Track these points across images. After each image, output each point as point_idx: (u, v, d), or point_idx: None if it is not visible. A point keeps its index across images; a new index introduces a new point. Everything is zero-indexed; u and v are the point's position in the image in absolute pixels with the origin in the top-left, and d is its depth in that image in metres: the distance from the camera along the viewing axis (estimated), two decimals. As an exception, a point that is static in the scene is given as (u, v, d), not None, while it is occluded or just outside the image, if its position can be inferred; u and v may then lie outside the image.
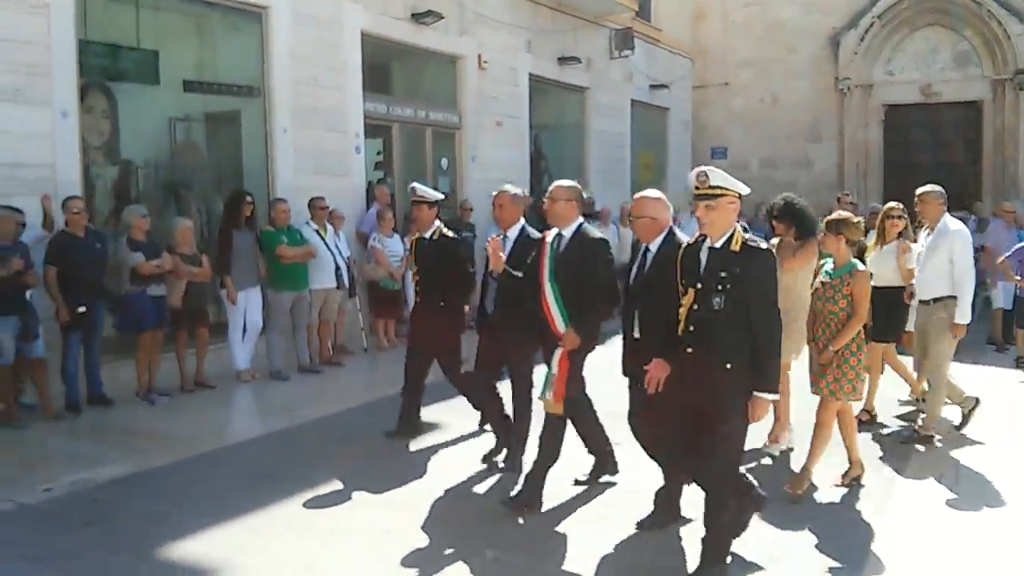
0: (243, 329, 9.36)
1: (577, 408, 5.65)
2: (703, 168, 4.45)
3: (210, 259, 9.04)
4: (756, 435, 5.95)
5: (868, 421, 7.52)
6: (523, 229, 6.20)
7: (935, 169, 20.14)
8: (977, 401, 7.45)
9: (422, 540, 5.06)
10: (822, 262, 6.08)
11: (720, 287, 4.26)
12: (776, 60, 21.41)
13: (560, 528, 5.23)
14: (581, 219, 5.58)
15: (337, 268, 10.13)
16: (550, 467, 5.52)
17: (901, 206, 7.69)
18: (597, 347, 5.55)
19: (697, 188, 4.37)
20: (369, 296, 11.33)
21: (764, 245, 4.36)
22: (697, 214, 4.38)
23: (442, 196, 7.48)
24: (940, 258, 7.03)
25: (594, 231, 5.61)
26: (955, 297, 6.94)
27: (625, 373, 5.24)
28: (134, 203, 9.12)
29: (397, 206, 12.16)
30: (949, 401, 7.40)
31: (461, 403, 7.09)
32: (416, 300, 7.27)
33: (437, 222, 7.14)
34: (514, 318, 5.95)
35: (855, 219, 5.96)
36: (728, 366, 4.26)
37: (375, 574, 4.64)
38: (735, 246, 4.30)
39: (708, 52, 22.04)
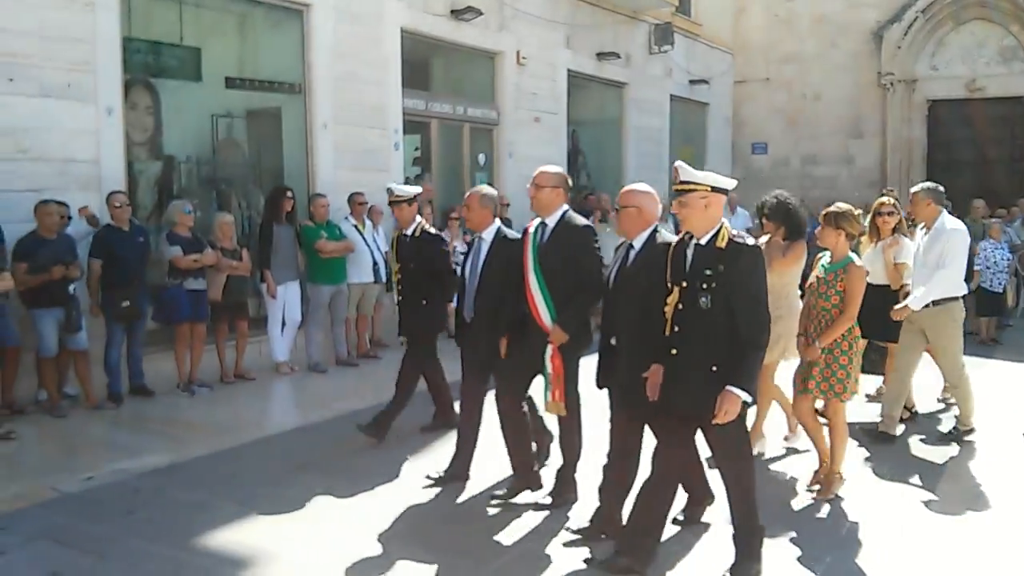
0: (282, 322, 9.50)
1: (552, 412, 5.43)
2: (678, 162, 4.38)
3: (250, 253, 9.19)
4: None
5: (908, 418, 7.47)
6: (499, 231, 5.87)
7: (979, 166, 19.93)
8: (914, 414, 7.42)
9: (458, 531, 5.13)
10: (819, 255, 5.91)
11: (706, 285, 4.14)
12: (818, 55, 21.18)
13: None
14: (566, 207, 5.40)
15: (375, 263, 10.24)
16: (576, 462, 5.51)
17: (893, 201, 7.47)
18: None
19: (674, 184, 4.30)
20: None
21: (751, 241, 4.23)
22: (673, 210, 4.36)
23: (419, 191, 7.30)
24: (934, 259, 6.80)
25: (579, 218, 5.40)
26: (957, 298, 6.80)
27: (600, 384, 4.98)
28: (176, 198, 9.30)
29: (436, 200, 12.25)
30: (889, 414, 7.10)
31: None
32: (398, 299, 7.04)
33: (419, 219, 6.99)
34: (493, 324, 5.62)
35: (855, 211, 5.80)
36: (714, 368, 4.14)
37: (411, 564, 4.71)
38: (721, 243, 4.18)
39: (749, 47, 21.87)
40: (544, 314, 5.21)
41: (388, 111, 11.68)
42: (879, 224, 7.30)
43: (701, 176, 4.22)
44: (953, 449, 6.83)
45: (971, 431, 7.03)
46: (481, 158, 13.86)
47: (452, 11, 12.55)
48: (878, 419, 7.08)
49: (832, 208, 5.78)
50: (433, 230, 7.03)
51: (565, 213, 5.35)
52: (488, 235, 5.85)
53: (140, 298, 8.16)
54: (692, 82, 19.50)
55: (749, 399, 4.14)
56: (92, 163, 8.33)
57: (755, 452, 6.02)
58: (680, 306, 4.22)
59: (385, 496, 5.76)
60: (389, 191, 6.97)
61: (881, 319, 7.01)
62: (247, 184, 10.83)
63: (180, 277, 8.42)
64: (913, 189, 7.17)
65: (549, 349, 5.15)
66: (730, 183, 4.30)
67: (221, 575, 4.58)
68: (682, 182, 4.21)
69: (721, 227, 4.21)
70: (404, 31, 11.85)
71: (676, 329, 4.24)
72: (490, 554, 4.84)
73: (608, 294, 4.85)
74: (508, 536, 5.07)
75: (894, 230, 7.25)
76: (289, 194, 9.53)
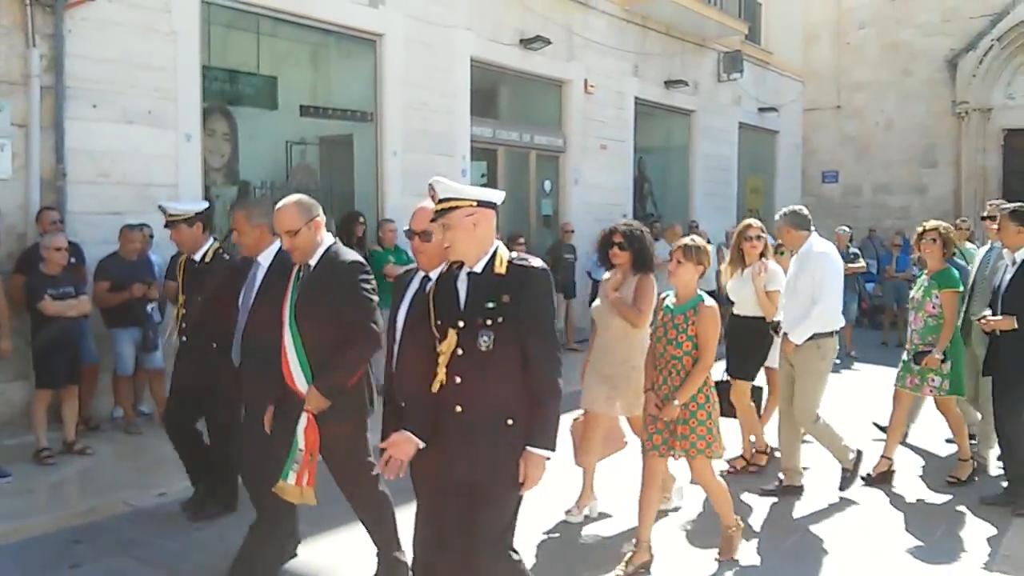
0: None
1: (371, 504, 4.53)
2: (433, 178, 3.54)
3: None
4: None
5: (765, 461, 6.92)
6: (279, 253, 4.69)
7: (1059, 196, 19.42)
8: (859, 454, 6.49)
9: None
10: (662, 295, 5.19)
11: (487, 322, 3.36)
12: (891, 83, 20.93)
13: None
14: (331, 239, 4.41)
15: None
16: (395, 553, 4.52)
17: (760, 225, 6.86)
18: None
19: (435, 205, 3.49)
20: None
21: (536, 263, 3.46)
22: (436, 236, 3.62)
23: (205, 205, 6.11)
24: (804, 286, 6.19)
25: (347, 253, 4.39)
26: (831, 334, 6.20)
27: None
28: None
29: (501, 226, 12.32)
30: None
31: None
32: (180, 339, 5.72)
33: (211, 240, 5.78)
34: (260, 377, 4.51)
35: (706, 246, 5.05)
36: (509, 422, 3.35)
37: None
38: (500, 268, 3.42)
39: (820, 74, 21.70)
40: (297, 376, 4.22)
41: (456, 138, 11.84)
42: (745, 250, 6.71)
43: (462, 189, 3.48)
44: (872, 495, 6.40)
45: (794, 489, 6.34)
46: (547, 185, 13.94)
47: (521, 40, 12.70)
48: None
49: (685, 240, 5.04)
50: (227, 256, 5.66)
51: (330, 248, 4.36)
52: (265, 260, 4.83)
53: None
54: (761, 110, 19.41)
55: (551, 455, 3.37)
56: (171, 187, 8.59)
57: (586, 514, 5.77)
58: (459, 351, 3.39)
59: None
60: (162, 209, 5.84)
61: (756, 356, 6.73)
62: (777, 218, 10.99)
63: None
64: (776, 216, 6.60)
65: (304, 418, 4.13)
66: (498, 196, 3.57)
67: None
68: (441, 200, 3.43)
69: (496, 249, 3.48)
70: (474, 60, 12.02)
71: (457, 381, 3.40)
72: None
73: (398, 344, 3.96)
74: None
75: (761, 255, 6.71)
76: (361, 219, 9.71)
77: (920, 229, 6.77)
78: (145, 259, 8.00)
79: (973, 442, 7.10)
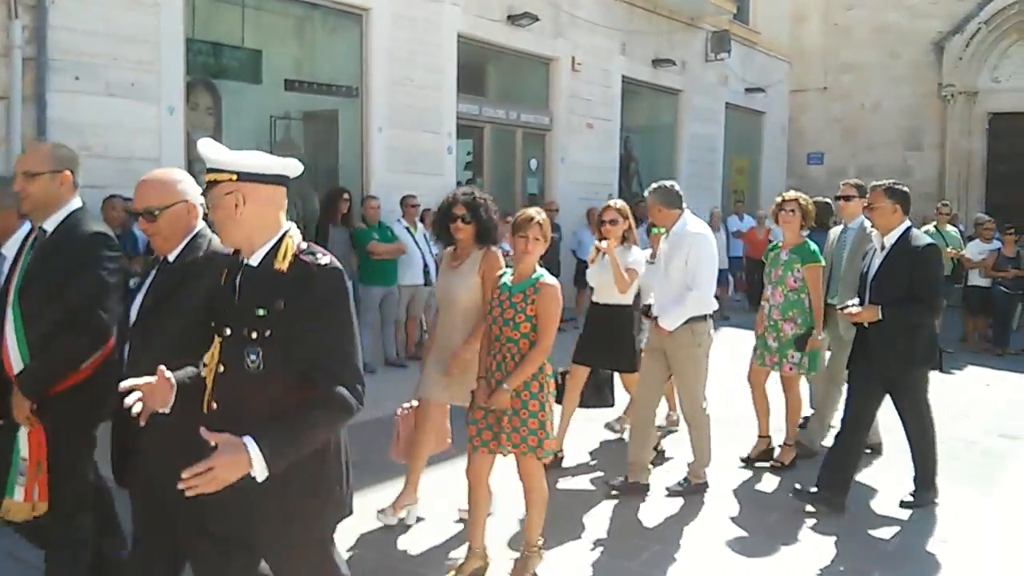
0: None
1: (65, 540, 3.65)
2: (200, 141, 2.84)
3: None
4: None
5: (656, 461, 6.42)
6: (73, 218, 3.71)
7: (1042, 180, 19.52)
8: (647, 487, 5.93)
9: (503, 531, 5.16)
10: (500, 272, 4.68)
11: (254, 334, 2.61)
12: (878, 65, 20.95)
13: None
14: (77, 202, 3.73)
15: (425, 265, 10.32)
16: None
17: (622, 205, 6.44)
18: None
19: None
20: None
21: (325, 259, 2.68)
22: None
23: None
24: (676, 269, 5.76)
25: (92, 223, 3.69)
26: (705, 318, 5.78)
27: (121, 483, 3.34)
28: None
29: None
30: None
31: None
32: None
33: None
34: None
35: (543, 218, 4.49)
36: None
37: (454, 560, 4.75)
38: (281, 263, 2.66)
39: (807, 55, 21.69)
40: (16, 362, 3.54)
41: (442, 115, 11.79)
42: (605, 232, 6.25)
43: (223, 158, 2.72)
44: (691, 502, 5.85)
45: (704, 486, 6.01)
46: (533, 163, 13.92)
47: (508, 16, 12.64)
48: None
49: (539, 218, 4.45)
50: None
51: (74, 213, 3.67)
52: (9, 251, 4.00)
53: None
54: (748, 90, 19.40)
55: (255, 471, 2.43)
56: (153, 161, 8.50)
57: (401, 516, 5.29)
58: (222, 368, 2.68)
59: (430, 494, 5.81)
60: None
61: (613, 345, 6.34)
62: (303, 185, 10.97)
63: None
64: (646, 192, 6.06)
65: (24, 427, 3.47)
66: (283, 166, 2.79)
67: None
68: (209, 170, 2.73)
69: (283, 237, 2.71)
70: (460, 36, 11.96)
71: (215, 407, 2.69)
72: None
73: (131, 337, 3.27)
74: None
75: (624, 239, 6.31)
76: (346, 196, 9.67)
77: (779, 199, 6.56)
78: (128, 233, 7.94)
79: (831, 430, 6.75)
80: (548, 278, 4.39)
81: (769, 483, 6.31)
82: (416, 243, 10.29)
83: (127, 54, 8.29)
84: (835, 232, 7.13)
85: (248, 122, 10.40)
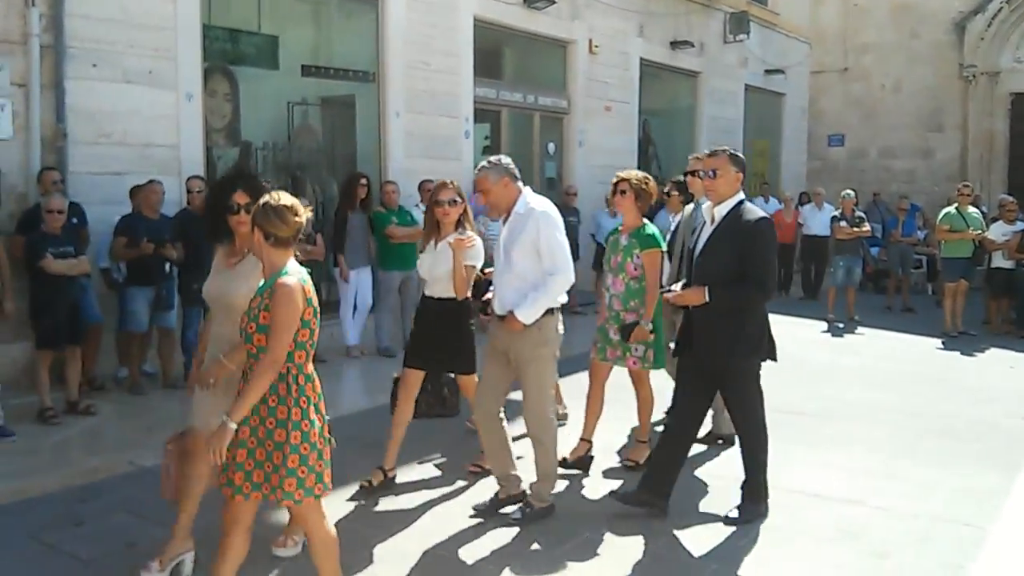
0: (353, 307, 9.64)
1: None
2: None
3: (324, 239, 9.33)
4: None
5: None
6: None
7: (1066, 161, 19.31)
8: (525, 494, 5.21)
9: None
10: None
11: None
12: (898, 45, 20.73)
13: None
14: None
15: (444, 250, 10.31)
16: None
17: (457, 186, 5.53)
18: None
19: None
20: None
21: None
22: None
23: None
24: (521, 255, 4.93)
25: None
26: (552, 311, 4.98)
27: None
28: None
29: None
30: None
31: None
32: None
33: None
34: None
35: (274, 201, 3.61)
36: None
37: (476, 540, 4.77)
38: None
39: (827, 36, 21.48)
40: None
41: (460, 99, 11.75)
42: (440, 217, 5.43)
43: None
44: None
45: (550, 510, 5.13)
46: (551, 147, 13.86)
47: (525, 0, 12.57)
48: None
49: (268, 201, 3.60)
50: None
51: None
52: None
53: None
54: (767, 72, 19.22)
55: None
56: (172, 148, 8.55)
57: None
58: None
59: (449, 476, 5.82)
60: None
61: (447, 343, 5.48)
62: (321, 170, 10.99)
63: (255, 261, 8.58)
64: (475, 171, 5.24)
65: None
66: None
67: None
68: None
69: None
70: (477, 20, 11.91)
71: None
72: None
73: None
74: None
75: (459, 224, 5.45)
76: (363, 181, 9.65)
77: (615, 179, 5.90)
78: (165, 218, 7.99)
79: None
80: (288, 278, 3.53)
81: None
82: (434, 228, 10.27)
83: (144, 41, 8.29)
84: (688, 210, 6.44)
85: (266, 108, 10.39)
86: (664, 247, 5.86)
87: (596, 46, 14.04)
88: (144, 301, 7.83)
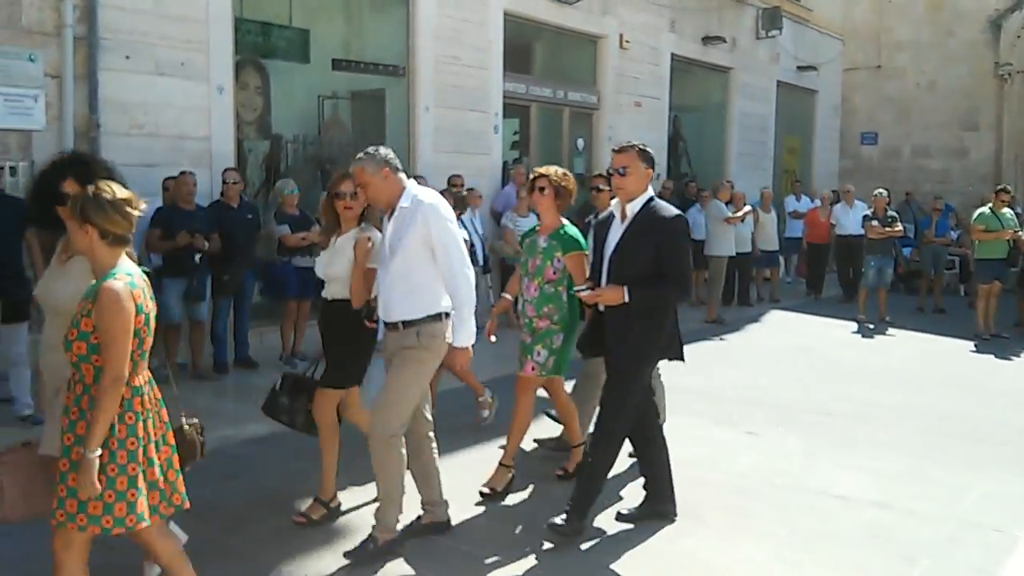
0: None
1: None
2: None
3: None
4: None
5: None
6: None
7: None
8: (447, 525, 4.86)
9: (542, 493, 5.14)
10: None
11: None
12: (933, 43, 20.47)
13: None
14: None
15: (471, 245, 10.30)
16: None
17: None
18: None
19: None
20: (500, 273, 11.50)
21: None
22: None
23: None
24: (408, 253, 4.42)
25: None
26: (439, 317, 4.48)
27: None
28: (283, 176, 9.53)
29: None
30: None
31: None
32: None
33: None
34: None
35: (109, 193, 3.20)
36: None
37: (502, 527, 4.77)
38: None
39: (861, 33, 21.25)
40: None
41: (489, 94, 11.74)
42: (340, 211, 4.91)
43: None
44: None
45: (393, 545, 4.54)
46: (579, 143, 13.82)
47: (556, -6, 12.55)
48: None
49: (91, 191, 3.21)
50: None
51: None
52: None
53: (247, 273, 8.40)
54: (800, 68, 19.07)
55: None
56: (203, 140, 8.60)
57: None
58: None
59: (473, 470, 5.81)
60: None
61: (355, 355, 4.89)
62: (350, 165, 11.00)
63: (288, 255, 8.64)
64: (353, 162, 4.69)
65: None
66: None
67: (315, 539, 4.68)
68: None
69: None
70: (507, 14, 11.88)
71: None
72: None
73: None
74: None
75: (361, 219, 4.91)
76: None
77: (532, 175, 5.52)
78: (201, 209, 8.05)
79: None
80: (116, 281, 3.13)
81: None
82: (463, 224, 10.26)
83: (177, 33, 8.34)
84: (605, 213, 6.18)
85: (296, 101, 10.45)
86: (588, 249, 5.37)
87: (627, 41, 13.98)
88: (176, 292, 7.90)
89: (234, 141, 8.99)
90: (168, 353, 8.06)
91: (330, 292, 4.93)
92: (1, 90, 7.23)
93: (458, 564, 4.48)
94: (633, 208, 4.71)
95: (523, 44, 13.03)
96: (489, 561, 4.50)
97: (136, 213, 3.26)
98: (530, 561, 4.50)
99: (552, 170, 5.45)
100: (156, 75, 8.23)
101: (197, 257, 7.93)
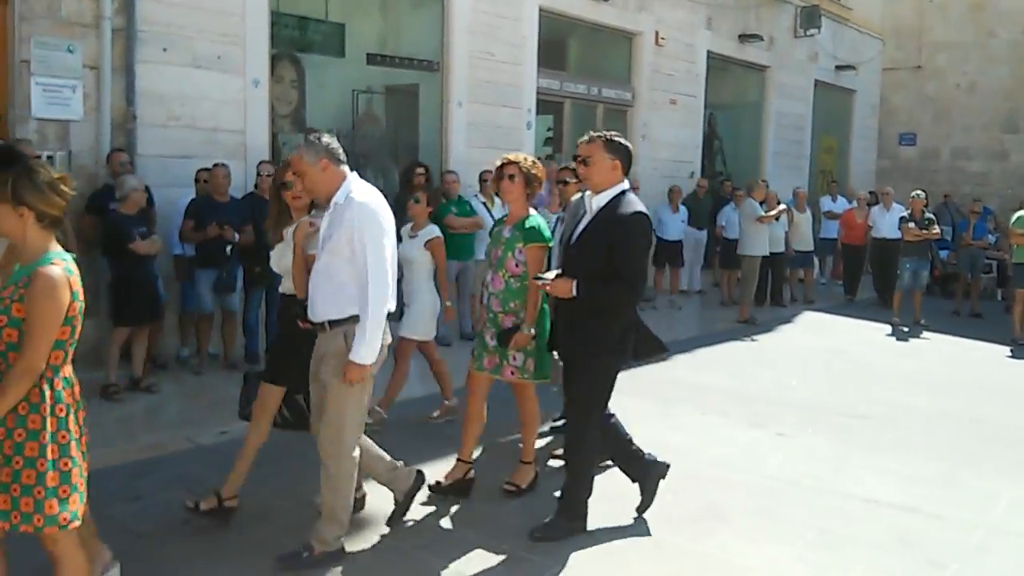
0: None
1: None
2: None
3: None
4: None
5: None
6: None
7: None
8: (419, 476, 4.90)
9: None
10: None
11: None
12: (974, 44, 20.16)
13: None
14: None
15: (504, 240, 10.31)
16: None
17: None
18: None
19: None
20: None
21: None
22: None
23: None
24: (333, 252, 4.16)
25: None
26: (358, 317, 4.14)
27: None
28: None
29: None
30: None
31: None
32: None
33: None
34: None
35: (44, 173, 3.06)
36: None
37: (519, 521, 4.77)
38: None
39: (901, 32, 20.99)
40: None
41: (523, 90, 11.74)
42: (289, 202, 4.72)
43: None
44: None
45: (337, 555, 4.34)
46: (614, 140, 13.75)
47: (592, -9, 12.51)
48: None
49: (40, 173, 3.06)
50: None
51: None
52: None
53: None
54: (838, 67, 18.88)
55: None
56: (238, 133, 8.68)
57: None
58: None
59: (500, 463, 5.82)
60: None
61: (303, 353, 4.47)
62: (384, 159, 11.06)
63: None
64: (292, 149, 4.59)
65: None
66: None
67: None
68: None
69: None
70: (543, 10, 11.88)
71: None
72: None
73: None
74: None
75: (311, 210, 4.67)
76: (419, 170, 9.69)
77: (500, 162, 5.22)
78: (235, 201, 8.12)
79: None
80: (53, 267, 3.00)
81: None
82: (494, 219, 10.27)
83: (213, 26, 8.42)
84: (576, 199, 6.03)
85: (331, 96, 10.50)
86: (551, 241, 5.19)
87: (663, 38, 13.92)
88: (208, 283, 7.98)
89: (269, 134, 9.06)
90: (200, 343, 8.17)
91: (285, 286, 4.74)
92: (40, 80, 7.36)
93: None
94: (599, 201, 4.58)
95: (558, 40, 13.02)
96: (505, 558, 4.51)
97: (71, 193, 3.11)
98: (551, 557, 4.51)
99: (521, 157, 5.22)
100: (193, 68, 8.32)
101: (228, 249, 8.00)
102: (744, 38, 15.77)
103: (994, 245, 15.02)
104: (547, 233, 5.12)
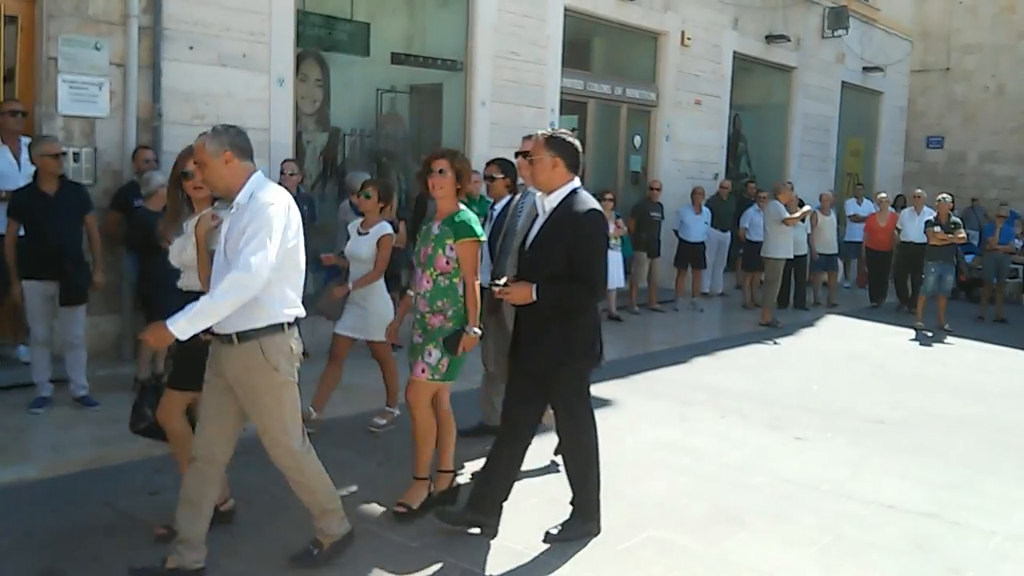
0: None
1: None
2: None
3: (406, 226, 9.41)
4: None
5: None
6: None
7: None
8: (350, 535, 4.35)
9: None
10: None
11: None
12: (1004, 47, 19.98)
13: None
14: None
15: (525, 240, 10.32)
16: None
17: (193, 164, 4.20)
18: None
19: None
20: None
21: None
22: None
23: None
24: (231, 254, 3.78)
25: None
26: (281, 328, 3.86)
27: None
28: (352, 169, 9.70)
29: (587, 182, 12.24)
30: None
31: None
32: None
33: None
34: None
35: None
36: None
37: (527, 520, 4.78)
38: None
39: (930, 34, 20.83)
40: None
41: (546, 90, 11.74)
42: (189, 192, 4.44)
43: None
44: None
45: (346, 539, 4.30)
46: (636, 140, 13.75)
47: (617, -10, 12.49)
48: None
49: None
50: None
51: None
52: None
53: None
54: (866, 69, 18.74)
55: None
56: (263, 131, 8.72)
57: None
58: None
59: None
60: None
61: (195, 355, 4.13)
62: (407, 158, 11.10)
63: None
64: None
65: None
66: None
67: (356, 530, 4.73)
68: None
69: None
70: (568, 10, 11.88)
71: None
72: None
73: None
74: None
75: (214, 201, 4.30)
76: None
77: (425, 159, 5.06)
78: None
79: None
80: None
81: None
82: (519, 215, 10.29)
83: (239, 25, 8.48)
84: (516, 198, 5.92)
85: (356, 95, 10.55)
86: (482, 236, 4.94)
87: (688, 38, 13.87)
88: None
89: (293, 133, 9.12)
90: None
91: (185, 282, 4.43)
92: (67, 77, 7.44)
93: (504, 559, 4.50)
94: (552, 202, 4.48)
95: (582, 40, 13.01)
96: (517, 558, 4.53)
97: None
98: (564, 557, 4.51)
99: (451, 150, 5.10)
100: (218, 66, 8.39)
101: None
102: (770, 39, 15.68)
103: (1020, 250, 14.86)
104: (479, 228, 4.87)
